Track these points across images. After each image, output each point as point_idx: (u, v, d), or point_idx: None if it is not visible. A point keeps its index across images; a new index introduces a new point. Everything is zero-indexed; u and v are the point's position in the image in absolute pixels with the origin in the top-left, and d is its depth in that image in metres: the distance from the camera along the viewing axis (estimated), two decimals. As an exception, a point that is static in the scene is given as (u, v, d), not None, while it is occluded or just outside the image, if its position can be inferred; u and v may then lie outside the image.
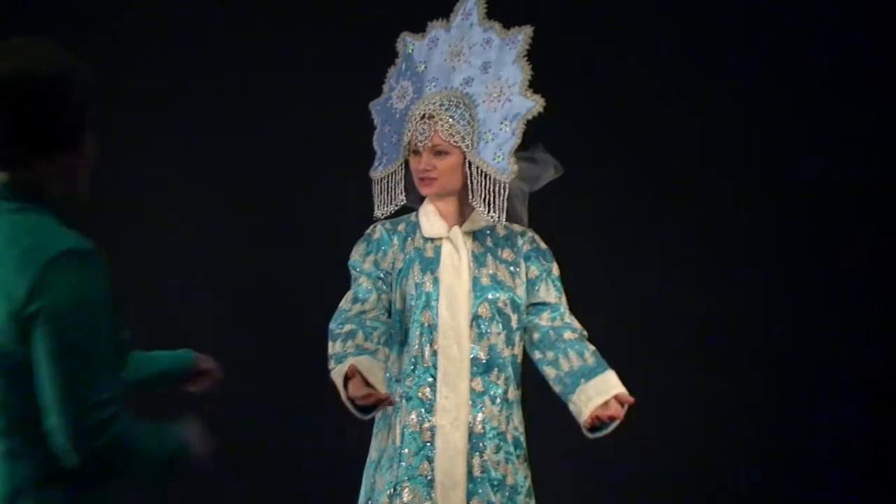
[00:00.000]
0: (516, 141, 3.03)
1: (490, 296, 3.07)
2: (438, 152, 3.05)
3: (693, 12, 4.40)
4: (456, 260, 3.08)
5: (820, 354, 4.42)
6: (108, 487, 2.04)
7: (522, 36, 3.08)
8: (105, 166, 2.19)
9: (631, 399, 2.99)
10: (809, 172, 4.45)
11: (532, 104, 3.03)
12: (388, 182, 3.16)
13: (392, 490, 3.02)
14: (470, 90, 3.09)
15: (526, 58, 3.07)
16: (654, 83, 4.46)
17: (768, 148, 4.51)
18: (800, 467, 4.41)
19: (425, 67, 3.18)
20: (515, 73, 3.06)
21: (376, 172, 3.20)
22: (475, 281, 3.08)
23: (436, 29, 3.21)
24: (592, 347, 3.10)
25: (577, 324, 3.16)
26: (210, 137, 4.44)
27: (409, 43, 3.25)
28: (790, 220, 4.51)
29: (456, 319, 3.04)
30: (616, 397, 2.97)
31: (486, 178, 3.03)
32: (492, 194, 3.02)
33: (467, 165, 3.05)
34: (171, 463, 2.08)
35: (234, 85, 4.45)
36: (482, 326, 3.06)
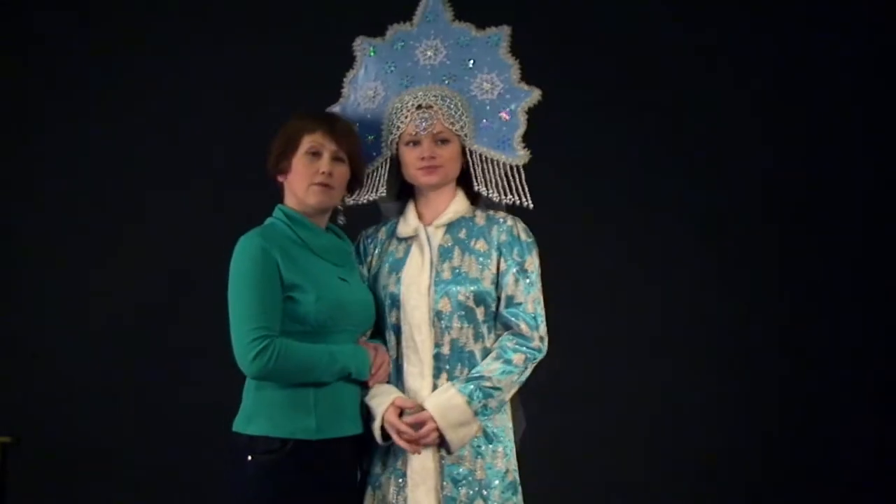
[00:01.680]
0: (522, 127, 3.12)
1: (450, 290, 3.06)
2: (441, 140, 3.09)
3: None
4: (419, 258, 3.09)
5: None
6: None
7: (502, 34, 3.18)
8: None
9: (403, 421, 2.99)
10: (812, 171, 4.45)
11: (529, 93, 3.14)
12: (370, 179, 3.18)
13: (377, 482, 3.06)
14: (456, 85, 3.17)
15: (510, 53, 3.17)
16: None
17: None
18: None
19: (395, 68, 3.22)
20: (503, 66, 3.17)
21: None
22: (437, 276, 3.07)
23: (398, 31, 3.26)
24: (491, 366, 3.04)
25: (522, 328, 3.05)
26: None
27: (367, 46, 3.27)
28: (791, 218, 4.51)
29: (415, 317, 3.04)
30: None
31: (493, 164, 3.11)
32: (505, 179, 3.09)
33: (469, 154, 3.11)
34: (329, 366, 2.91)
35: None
36: (443, 322, 3.05)
